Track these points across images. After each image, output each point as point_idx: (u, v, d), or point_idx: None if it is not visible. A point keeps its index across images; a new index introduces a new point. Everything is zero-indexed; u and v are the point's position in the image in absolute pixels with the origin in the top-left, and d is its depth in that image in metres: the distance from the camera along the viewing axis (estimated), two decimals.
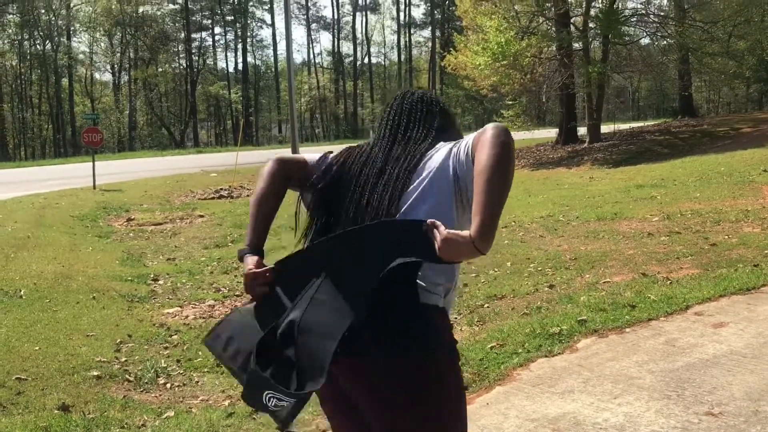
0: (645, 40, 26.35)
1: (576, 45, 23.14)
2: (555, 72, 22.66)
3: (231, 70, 66.51)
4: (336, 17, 66.68)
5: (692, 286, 5.39)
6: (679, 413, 3.29)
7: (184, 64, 60.15)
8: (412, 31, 68.33)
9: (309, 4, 66.60)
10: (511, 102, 24.96)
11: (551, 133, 27.21)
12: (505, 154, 1.64)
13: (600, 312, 4.89)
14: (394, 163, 1.91)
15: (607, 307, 5.00)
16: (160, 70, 58.51)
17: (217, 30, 64.02)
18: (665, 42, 25.34)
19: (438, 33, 63.99)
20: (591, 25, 22.53)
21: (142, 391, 4.37)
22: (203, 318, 6.12)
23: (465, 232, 1.58)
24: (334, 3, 65.65)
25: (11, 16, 53.40)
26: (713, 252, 6.61)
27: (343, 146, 2.15)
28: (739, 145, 16.93)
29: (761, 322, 4.50)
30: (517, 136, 25.71)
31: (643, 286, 5.56)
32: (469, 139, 1.79)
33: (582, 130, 24.78)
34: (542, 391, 3.69)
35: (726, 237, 7.23)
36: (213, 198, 17.06)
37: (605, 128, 25.64)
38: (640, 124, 31.96)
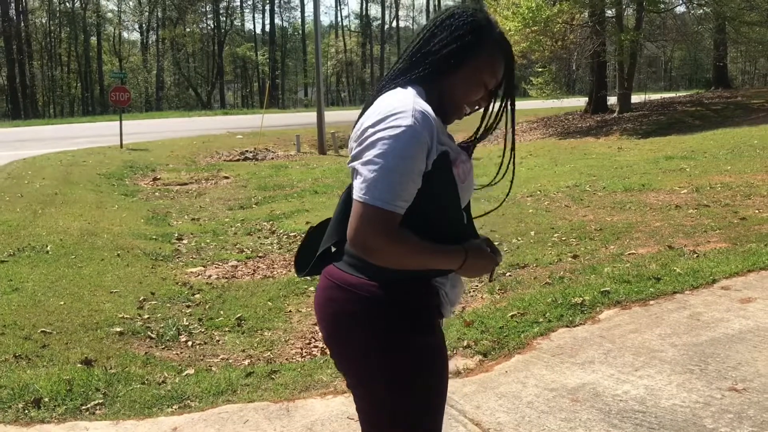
0: (680, 9, 25.73)
1: (609, 12, 22.64)
2: (586, 39, 22.22)
3: (258, 31, 66.46)
4: None
5: (720, 260, 5.28)
6: (701, 388, 3.25)
7: (212, 25, 60.06)
8: None
9: None
10: (540, 69, 24.58)
11: (580, 102, 26.79)
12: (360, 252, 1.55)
13: (624, 284, 4.82)
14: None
15: (631, 278, 4.93)
16: (187, 30, 58.43)
17: None
18: (701, 10, 24.68)
19: None
20: None
21: (163, 348, 4.42)
22: (226, 278, 6.16)
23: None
24: None
25: None
26: (742, 226, 6.47)
27: None
28: None
29: None
30: (546, 104, 25.44)
31: (669, 258, 5.46)
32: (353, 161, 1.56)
33: (612, 100, 24.37)
34: (562, 361, 3.66)
35: (756, 211, 7.08)
36: (238, 160, 17.12)
37: (635, 98, 25.19)
38: (672, 94, 31.39)
